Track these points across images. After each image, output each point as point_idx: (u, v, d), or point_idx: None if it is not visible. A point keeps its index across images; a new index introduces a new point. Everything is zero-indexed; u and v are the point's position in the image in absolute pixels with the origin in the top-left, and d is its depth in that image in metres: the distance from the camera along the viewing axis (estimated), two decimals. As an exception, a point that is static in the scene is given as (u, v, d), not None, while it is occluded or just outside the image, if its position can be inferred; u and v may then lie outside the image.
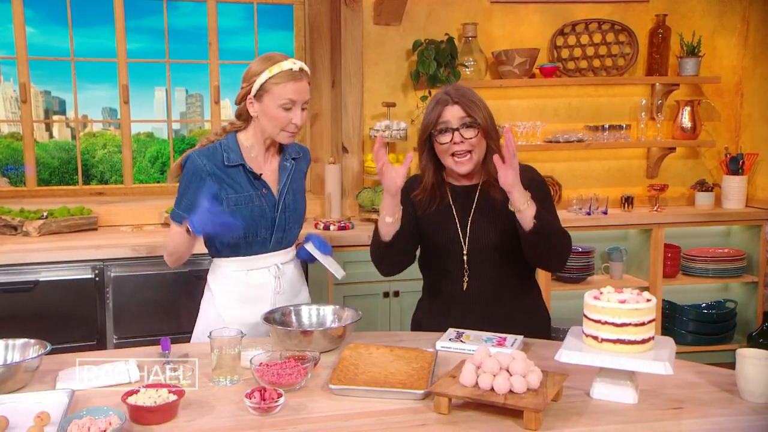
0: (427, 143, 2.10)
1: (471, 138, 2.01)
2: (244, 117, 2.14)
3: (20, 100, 3.68)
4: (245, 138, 2.15)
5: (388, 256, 2.12)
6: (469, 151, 2.03)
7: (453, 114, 2.02)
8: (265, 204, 2.12)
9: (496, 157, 1.87)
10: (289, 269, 2.21)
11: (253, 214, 2.09)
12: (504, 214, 2.05)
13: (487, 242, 2.09)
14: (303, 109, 2.06)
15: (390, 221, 2.01)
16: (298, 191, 2.22)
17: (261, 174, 2.13)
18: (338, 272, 2.26)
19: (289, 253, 2.23)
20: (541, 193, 2.07)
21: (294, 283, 2.24)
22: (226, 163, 2.08)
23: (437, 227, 2.13)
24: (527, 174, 2.03)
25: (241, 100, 2.10)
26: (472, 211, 2.11)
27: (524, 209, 1.89)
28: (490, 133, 2.05)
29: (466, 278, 2.11)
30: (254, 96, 2.05)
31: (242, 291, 2.15)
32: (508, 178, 1.85)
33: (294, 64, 2.01)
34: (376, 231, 2.08)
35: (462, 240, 2.10)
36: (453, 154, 2.03)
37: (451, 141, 2.01)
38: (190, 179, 2.08)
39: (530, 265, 2.13)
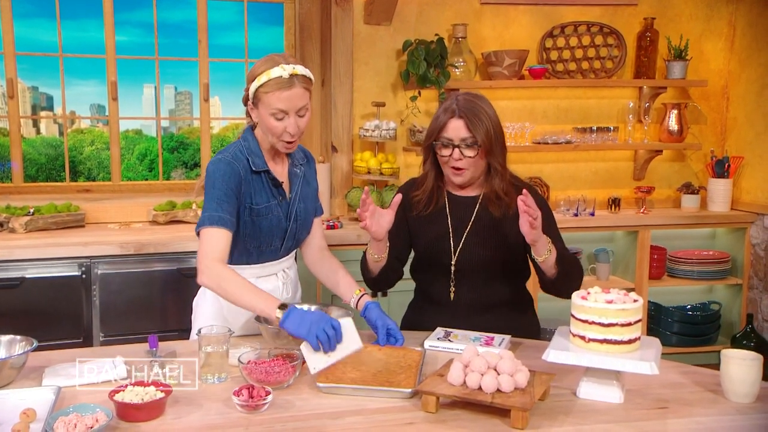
0: (431, 149, 2.10)
1: (470, 156, 2.01)
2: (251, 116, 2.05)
3: (7, 96, 3.65)
4: (260, 136, 2.03)
5: (377, 283, 2.17)
6: (467, 168, 2.04)
7: (456, 130, 2.00)
8: (281, 213, 2.05)
9: (520, 200, 1.80)
10: (292, 273, 2.20)
11: (271, 225, 2.02)
12: (500, 231, 2.07)
13: (480, 257, 2.10)
14: (300, 116, 1.93)
15: (377, 258, 2.04)
16: (308, 198, 2.14)
17: (282, 182, 2.05)
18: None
19: (293, 256, 2.21)
20: (544, 216, 1.96)
21: (295, 286, 2.23)
22: (253, 169, 1.97)
23: (428, 232, 2.14)
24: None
25: (245, 102, 2.02)
26: (470, 224, 2.11)
27: (547, 257, 1.90)
28: (493, 150, 2.03)
29: (452, 288, 2.12)
30: (252, 102, 1.96)
31: None
32: (531, 235, 1.83)
33: (284, 70, 1.86)
34: (365, 260, 2.10)
35: (452, 250, 2.11)
36: (451, 166, 2.05)
37: (450, 156, 2.02)
38: (225, 176, 1.92)
39: (544, 291, 2.11)
